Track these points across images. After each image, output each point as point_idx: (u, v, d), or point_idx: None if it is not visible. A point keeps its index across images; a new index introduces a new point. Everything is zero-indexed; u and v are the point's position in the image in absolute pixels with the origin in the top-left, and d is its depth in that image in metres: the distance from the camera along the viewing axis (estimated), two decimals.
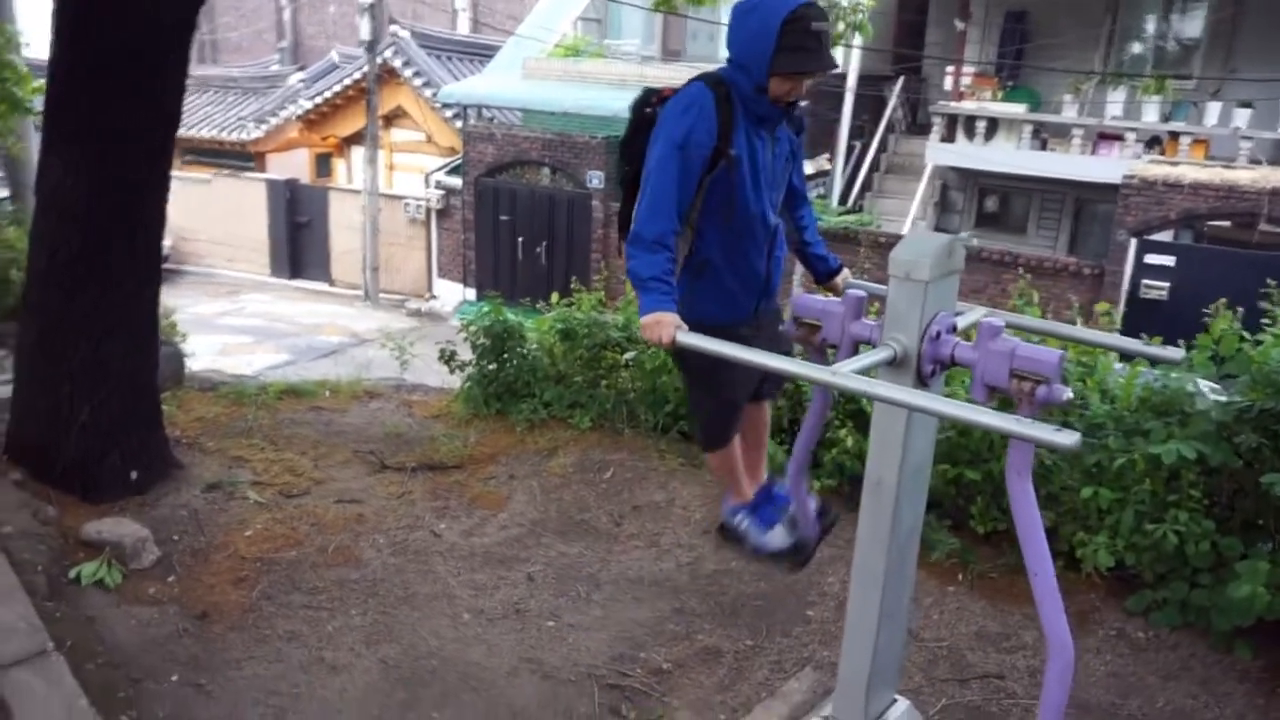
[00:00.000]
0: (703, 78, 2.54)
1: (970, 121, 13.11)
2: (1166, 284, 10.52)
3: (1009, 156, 12.86)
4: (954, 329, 2.54)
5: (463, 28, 23.35)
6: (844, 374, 2.27)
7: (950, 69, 13.85)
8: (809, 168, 14.18)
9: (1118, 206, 10.93)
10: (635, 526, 4.38)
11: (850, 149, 14.48)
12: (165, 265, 14.85)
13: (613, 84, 14.12)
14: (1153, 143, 12.17)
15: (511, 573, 4.00)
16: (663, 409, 5.14)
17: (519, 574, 3.99)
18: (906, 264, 2.43)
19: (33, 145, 9.40)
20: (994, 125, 13.03)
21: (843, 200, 14.16)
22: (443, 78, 16.70)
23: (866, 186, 14.70)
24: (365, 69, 15.85)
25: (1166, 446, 3.45)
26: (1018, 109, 12.91)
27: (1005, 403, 2.47)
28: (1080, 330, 2.94)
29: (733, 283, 2.64)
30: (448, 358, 5.74)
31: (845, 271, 2.99)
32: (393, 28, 16.91)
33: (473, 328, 5.60)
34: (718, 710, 3.20)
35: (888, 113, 14.70)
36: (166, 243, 15.62)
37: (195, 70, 21.25)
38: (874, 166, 14.78)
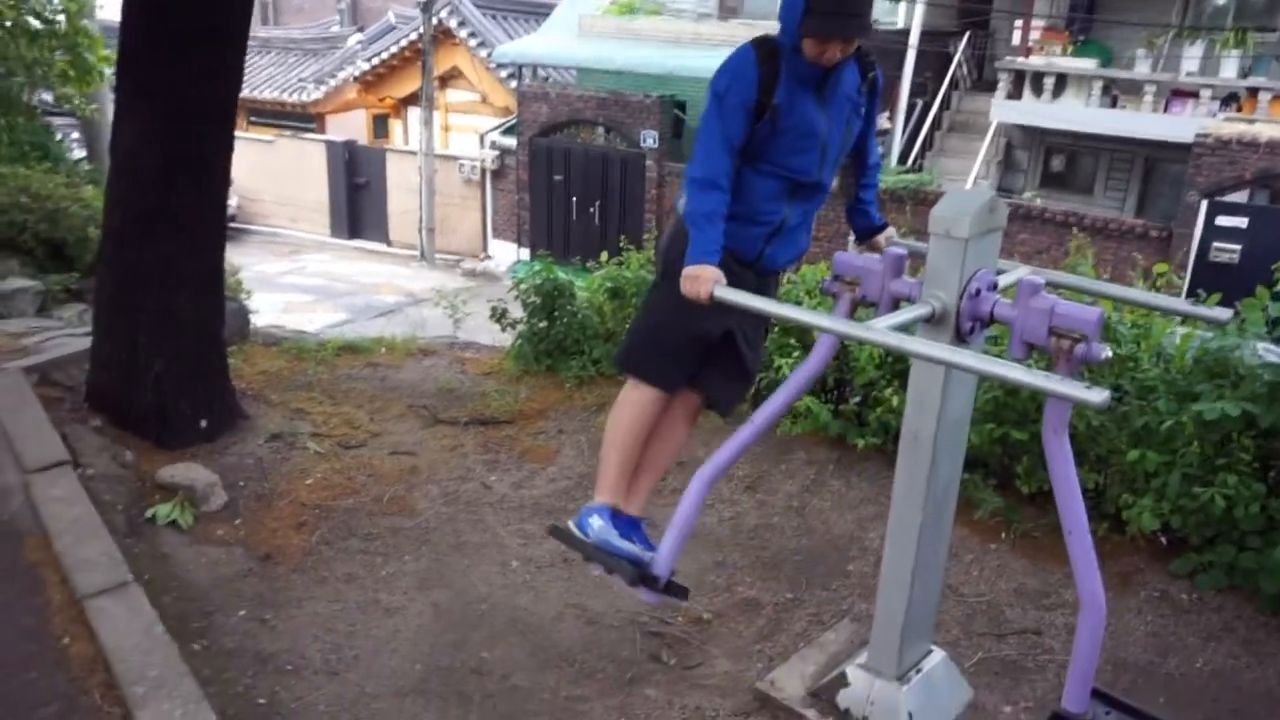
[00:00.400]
0: (755, 40, 2.57)
1: (1038, 78, 12.74)
2: (1238, 246, 10.19)
3: (1077, 114, 12.49)
4: (994, 286, 2.56)
5: None
6: (879, 330, 2.32)
7: (1019, 23, 13.45)
8: None
9: (1189, 166, 10.60)
10: (679, 482, 4.45)
11: (912, 106, 14.18)
12: (231, 225, 15.20)
13: (668, 42, 14.02)
14: (1230, 99, 11.72)
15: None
16: None
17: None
18: (946, 221, 2.45)
19: (107, 108, 9.73)
20: (1062, 81, 12.65)
21: (903, 159, 13.91)
22: (498, 37, 16.74)
23: (928, 145, 14.41)
24: (421, 30, 15.94)
25: (1213, 405, 3.41)
26: (1088, 64, 12.51)
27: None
28: (1122, 289, 2.92)
29: (747, 208, 2.60)
30: (499, 315, 5.86)
31: (890, 230, 2.99)
32: None
33: (524, 286, 5.71)
34: (755, 659, 3.28)
35: (952, 69, 14.35)
36: (232, 202, 16.01)
37: (257, 32, 21.61)
38: (936, 124, 14.47)
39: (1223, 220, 10.23)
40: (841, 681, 2.96)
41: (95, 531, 3.28)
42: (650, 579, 2.67)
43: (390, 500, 4.25)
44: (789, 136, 2.57)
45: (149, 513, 3.76)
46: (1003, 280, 2.61)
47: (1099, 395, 1.94)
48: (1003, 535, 3.94)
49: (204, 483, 4.01)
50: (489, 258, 16.31)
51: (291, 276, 15.27)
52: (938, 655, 3.01)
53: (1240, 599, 3.46)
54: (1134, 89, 12.15)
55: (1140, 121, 11.91)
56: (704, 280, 2.42)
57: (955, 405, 2.64)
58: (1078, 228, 11.05)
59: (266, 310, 9.66)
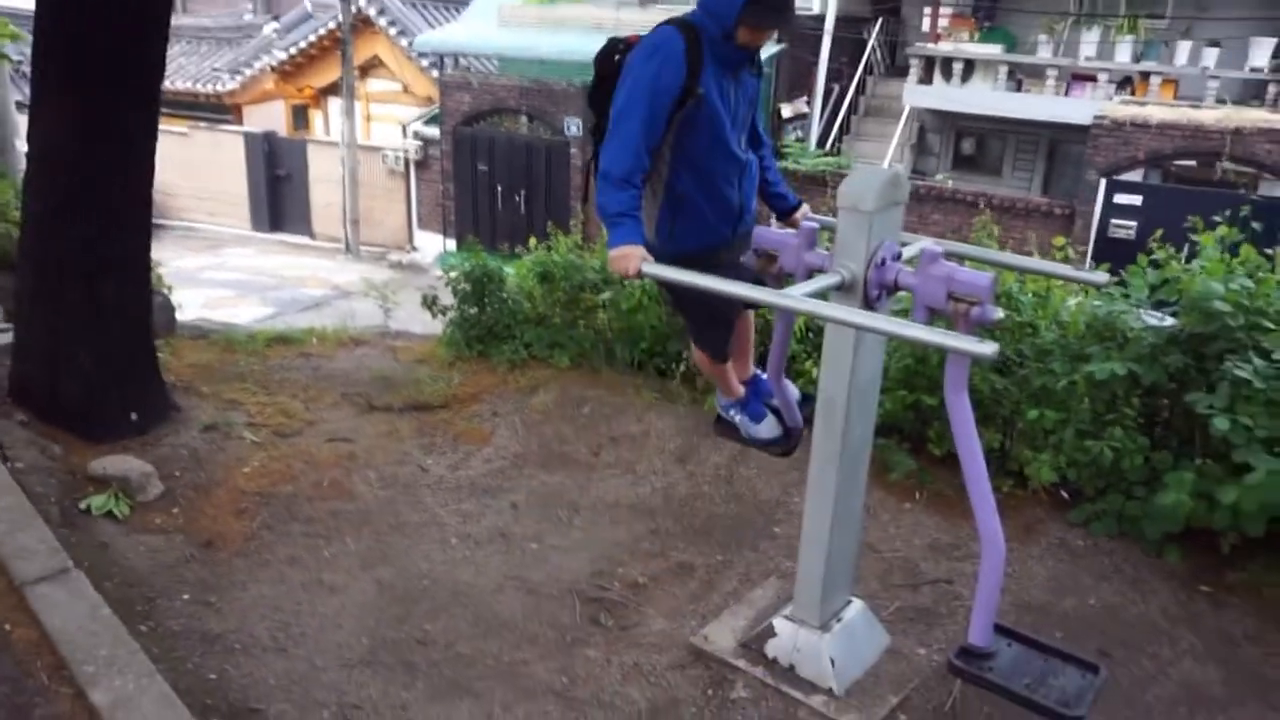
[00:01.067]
0: (671, 21, 2.69)
1: (947, 63, 13.20)
2: (1134, 223, 10.75)
3: (984, 98, 12.99)
4: (899, 256, 2.76)
5: None
6: (794, 297, 2.51)
7: (928, 10, 13.89)
8: (788, 110, 14.29)
9: (1088, 147, 11.12)
10: (612, 456, 4.63)
11: (829, 91, 14.52)
12: None
13: (590, 29, 14.08)
14: (1125, 83, 12.32)
15: (496, 501, 4.25)
16: (638, 346, 5.37)
17: (503, 502, 4.24)
18: (853, 196, 2.64)
19: (10, 93, 9.43)
20: (970, 67, 13.13)
21: (821, 144, 14.25)
22: (419, 26, 16.58)
23: (845, 129, 14.79)
24: (339, 18, 15.71)
25: (1102, 365, 3.70)
26: (993, 50, 13.00)
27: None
28: (1014, 257, 3.17)
29: (709, 213, 2.81)
30: (430, 302, 5.93)
31: (805, 207, 3.18)
32: None
33: (453, 273, 5.78)
34: (689, 617, 3.46)
35: (866, 54, 14.74)
36: None
37: None
38: (852, 109, 14.86)
39: (1120, 198, 10.77)
40: (769, 632, 3.15)
41: (30, 521, 3.29)
42: (795, 445, 3.30)
43: (329, 485, 4.31)
44: (713, 125, 2.73)
45: (83, 503, 3.76)
46: (906, 251, 2.82)
47: (989, 348, 2.15)
48: (916, 495, 4.19)
49: (138, 473, 4.02)
50: (415, 249, 16.20)
51: (212, 272, 14.94)
52: (857, 605, 3.23)
53: (1128, 543, 3.77)
54: (1037, 73, 12.69)
55: (1043, 104, 12.44)
56: (631, 258, 2.59)
57: (865, 370, 2.84)
58: (987, 207, 11.53)
59: (189, 306, 9.46)
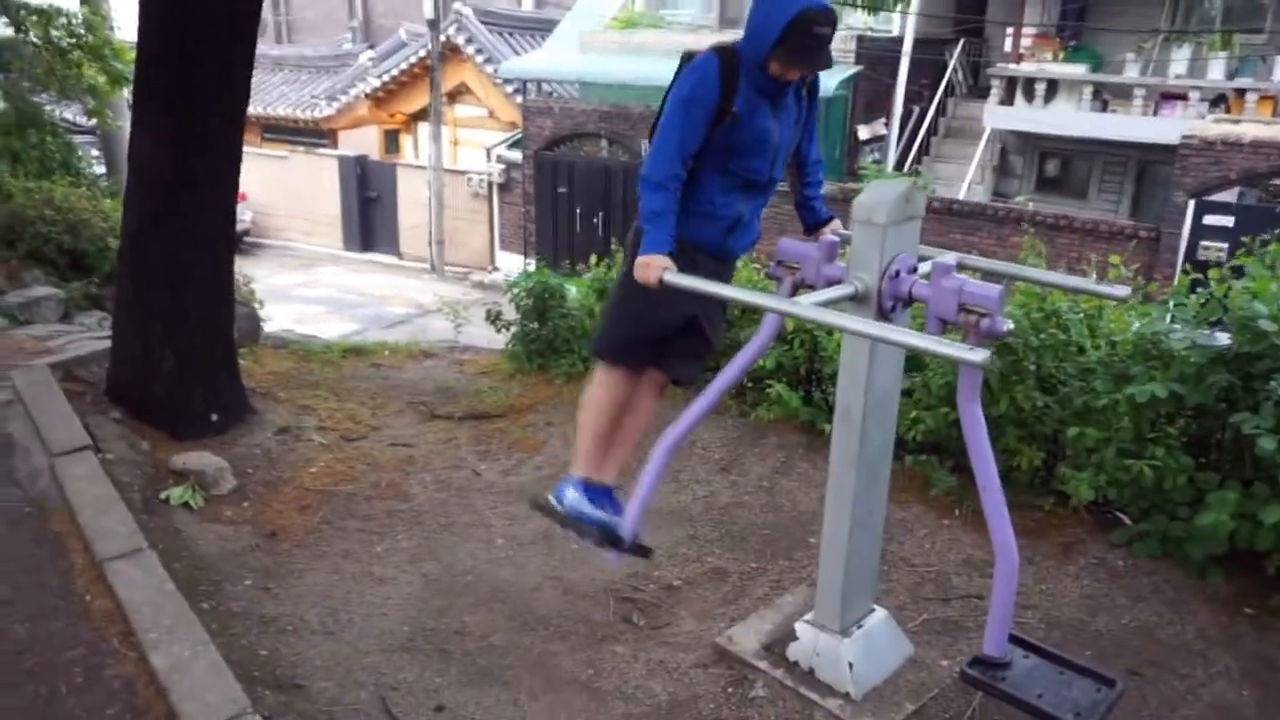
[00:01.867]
0: (715, 47, 2.86)
1: (1029, 84, 13.03)
2: (1225, 244, 10.40)
3: (1068, 119, 12.75)
4: (914, 269, 2.83)
5: (527, 4, 23.77)
6: (805, 305, 2.61)
7: (1010, 30, 13.73)
8: (865, 132, 14.25)
9: (1175, 167, 10.82)
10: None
11: (908, 113, 14.45)
12: (246, 239, 15.80)
13: (668, 54, 14.32)
14: (1218, 101, 11.94)
15: None
16: None
17: None
18: (866, 210, 2.73)
19: (126, 121, 10.15)
20: (1054, 87, 12.93)
21: (899, 166, 14.18)
22: (504, 53, 17.14)
23: (924, 150, 14.69)
24: (429, 46, 16.36)
25: (1143, 387, 3.67)
26: (1077, 70, 12.77)
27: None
28: (1037, 271, 3.20)
29: (708, 206, 2.90)
30: (494, 317, 6.18)
31: (835, 222, 3.27)
32: (456, 5, 17.39)
33: (516, 289, 6.02)
34: (719, 620, 3.55)
35: (947, 75, 14.63)
36: (247, 216, 16.62)
37: (271, 50, 22.14)
38: (932, 131, 14.75)
39: (1210, 219, 10.44)
40: (791, 636, 3.23)
41: (114, 506, 3.59)
42: (616, 540, 2.97)
43: (387, 486, 4.56)
44: (745, 142, 2.87)
45: (163, 494, 4.09)
46: (923, 266, 2.89)
47: (980, 355, 2.22)
48: (956, 512, 4.19)
49: (214, 468, 4.33)
50: (497, 269, 16.67)
51: (304, 289, 15.67)
52: (880, 614, 3.28)
53: (1172, 565, 3.71)
54: (1124, 93, 12.40)
55: (1130, 125, 12.15)
56: (654, 267, 2.73)
57: (882, 379, 2.91)
58: (1069, 230, 11.31)
59: (280, 321, 10.02)
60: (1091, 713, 2.65)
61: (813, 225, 3.26)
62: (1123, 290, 2.89)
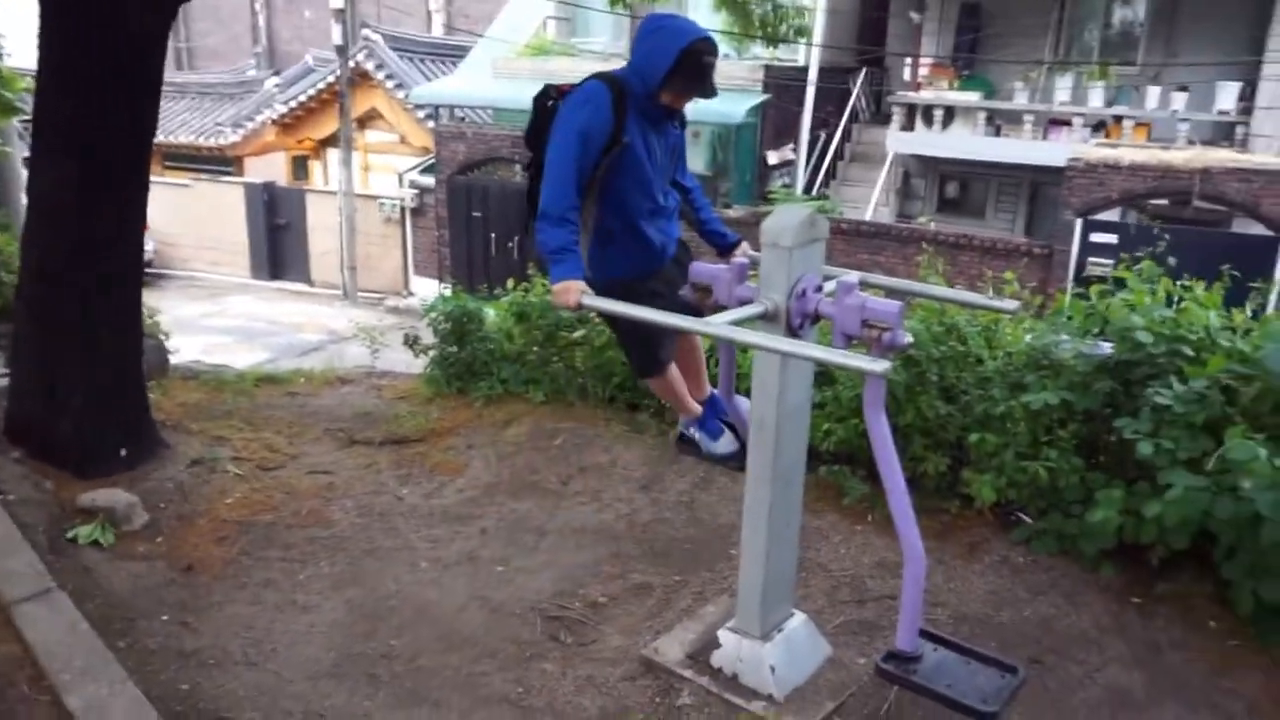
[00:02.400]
0: (599, 76, 2.99)
1: (928, 110, 13.61)
2: (1110, 260, 11.01)
3: (965, 143, 13.37)
4: (819, 288, 2.99)
5: (437, 30, 23.74)
6: (717, 325, 2.74)
7: (909, 60, 14.34)
8: (774, 157, 14.66)
9: (1063, 188, 11.44)
10: (580, 485, 4.82)
11: (815, 139, 14.94)
12: (149, 270, 15.23)
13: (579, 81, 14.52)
14: (1099, 126, 12.69)
15: (466, 527, 4.43)
16: (610, 381, 5.58)
17: (473, 528, 4.42)
18: (773, 233, 2.88)
19: (17, 150, 9.78)
20: (950, 113, 13.54)
21: (807, 189, 14.63)
22: (415, 79, 17.11)
23: (831, 174, 15.18)
24: (338, 72, 16.21)
25: (1037, 395, 3.91)
26: (972, 97, 13.40)
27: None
28: (931, 287, 3.41)
29: (634, 248, 3.11)
30: (411, 341, 6.17)
31: (744, 245, 3.43)
32: (364, 31, 17.28)
33: (434, 313, 6.03)
34: (645, 634, 3.63)
35: (851, 103, 15.17)
36: (149, 247, 16.02)
37: (174, 77, 21.57)
38: (838, 155, 15.26)
39: (1096, 237, 11.07)
40: (714, 644, 3.33)
41: (18, 548, 3.49)
42: (743, 457, 3.35)
43: (308, 514, 4.51)
44: (636, 171, 3.02)
45: (70, 533, 3.96)
46: (828, 285, 3.05)
47: (881, 365, 2.37)
48: (869, 518, 4.37)
49: (124, 504, 4.22)
50: (411, 294, 16.52)
51: (213, 319, 15.28)
52: (799, 617, 3.41)
53: (1068, 560, 3.94)
54: (1015, 118, 13.07)
55: (1021, 148, 12.82)
56: (572, 292, 2.84)
57: (793, 394, 3.04)
58: (968, 248, 11.83)
59: (188, 353, 9.73)
60: (996, 698, 2.82)
61: (724, 249, 3.40)
62: (1012, 304, 3.10)
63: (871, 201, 13.95)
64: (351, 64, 16.47)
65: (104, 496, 4.26)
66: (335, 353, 11.66)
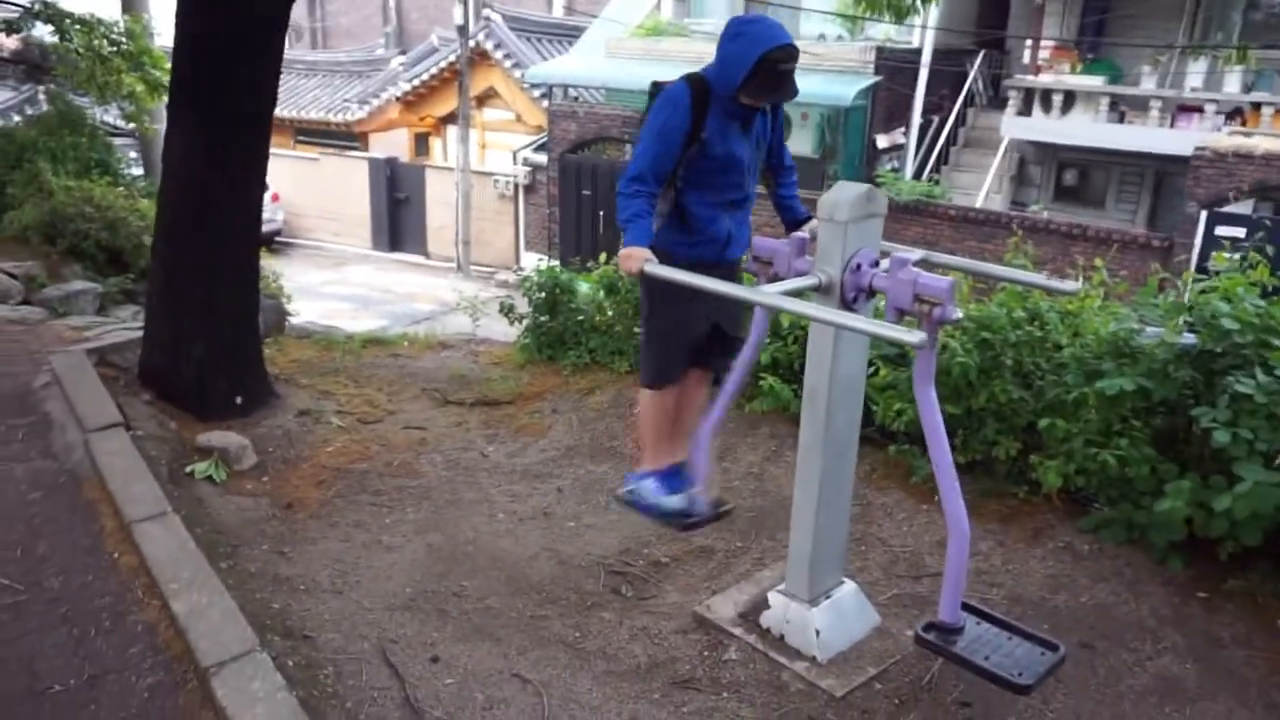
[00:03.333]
0: (686, 77, 3.16)
1: (1046, 95, 13.15)
2: (1237, 255, 10.47)
3: (1085, 130, 12.87)
4: (875, 263, 3.06)
5: (557, 12, 24.14)
6: (768, 293, 2.85)
7: (1029, 42, 13.87)
8: (883, 141, 14.42)
9: (1188, 179, 10.91)
10: None
11: (928, 123, 14.62)
12: (278, 238, 16.23)
13: (691, 62, 14.59)
14: (1234, 114, 12.01)
15: (544, 485, 4.68)
16: None
17: (550, 486, 4.66)
18: (829, 208, 2.97)
19: (162, 126, 10.56)
20: (1071, 98, 13.04)
21: (918, 175, 14.35)
22: (532, 59, 17.50)
23: (943, 160, 14.83)
24: (459, 51, 16.74)
25: (1112, 381, 3.86)
26: (1094, 81, 12.88)
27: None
28: (994, 267, 3.40)
29: (702, 232, 3.27)
30: (506, 310, 6.45)
31: (813, 221, 3.51)
32: (485, 11, 17.76)
33: (529, 284, 6.29)
34: (702, 593, 3.78)
35: (966, 86, 14.77)
36: (280, 217, 17.07)
37: (306, 56, 22.65)
38: (951, 140, 14.89)
39: (1221, 230, 10.51)
40: (764, 604, 3.45)
41: (142, 476, 3.89)
42: (694, 521, 3.47)
43: (399, 465, 4.83)
44: (716, 163, 3.19)
45: (188, 468, 4.39)
46: (885, 261, 3.11)
47: (917, 337, 2.45)
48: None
49: (236, 446, 4.63)
50: (521, 269, 16.97)
51: (334, 287, 16.09)
52: (849, 586, 3.50)
53: (1136, 550, 3.88)
54: (1140, 105, 12.50)
55: (1146, 136, 12.25)
56: (635, 259, 3.02)
57: (846, 364, 3.13)
58: (1083, 238, 11.43)
59: (309, 317, 10.35)
60: (1032, 673, 2.86)
61: (792, 224, 3.50)
62: (1072, 285, 3.11)
63: (983, 188, 13.59)
64: (472, 44, 16.99)
65: (219, 438, 4.68)
66: (444, 323, 12.15)
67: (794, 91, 3.09)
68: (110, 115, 13.79)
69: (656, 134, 3.08)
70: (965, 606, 3.12)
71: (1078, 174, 14.14)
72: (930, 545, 4.06)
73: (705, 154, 3.14)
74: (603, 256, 6.51)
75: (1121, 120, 12.68)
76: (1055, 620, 3.50)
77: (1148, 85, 12.50)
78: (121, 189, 9.01)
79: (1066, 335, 4.46)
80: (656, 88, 3.28)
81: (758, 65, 2.97)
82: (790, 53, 3.01)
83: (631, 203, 3.08)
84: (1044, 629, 3.38)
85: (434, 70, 18.61)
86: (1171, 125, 12.18)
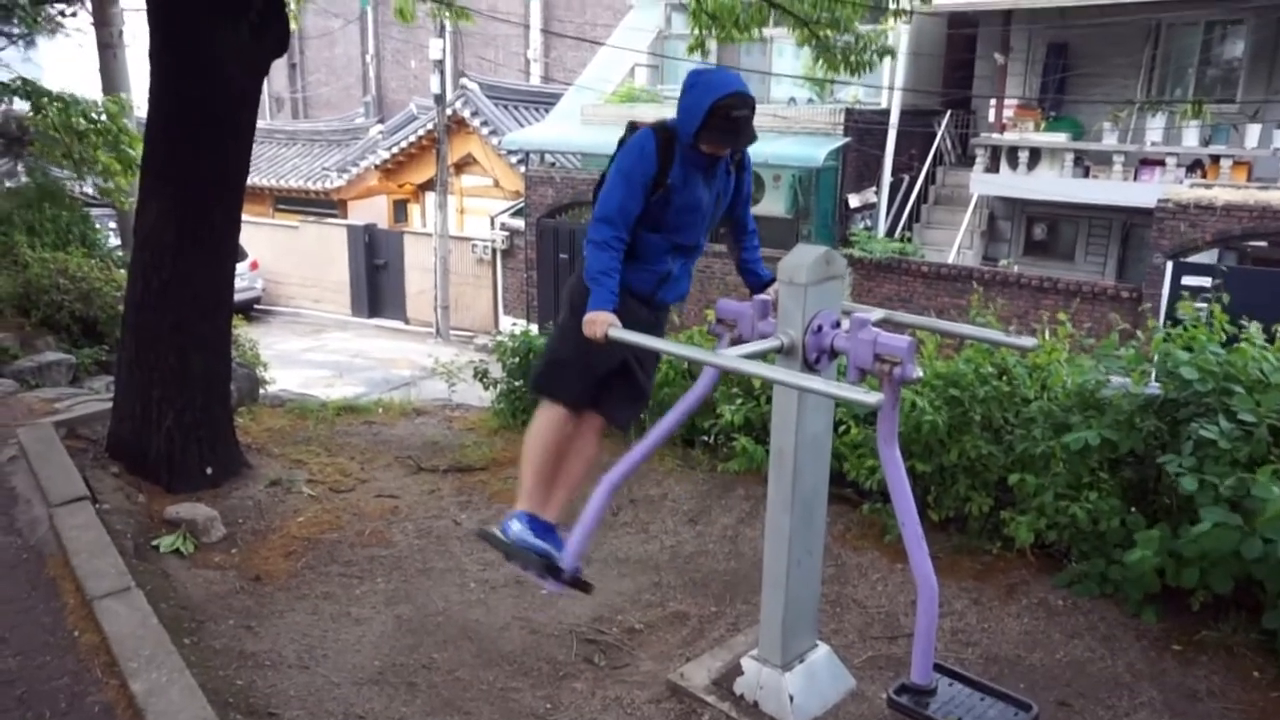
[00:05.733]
0: (653, 125, 3.18)
1: (1013, 152, 13.44)
2: (1203, 305, 10.64)
3: (1052, 185, 13.13)
4: (837, 324, 3.10)
5: (535, 79, 24.60)
6: (729, 356, 2.88)
7: (994, 102, 14.23)
8: (855, 200, 14.66)
9: (1152, 230, 11.13)
10: (630, 516, 4.97)
11: (898, 181, 14.89)
12: (257, 306, 16.19)
13: None
14: (1195, 167, 12.31)
15: None
16: None
17: None
18: (789, 270, 3.01)
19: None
20: (1036, 155, 13.34)
21: (890, 232, 14.57)
22: (510, 126, 17.76)
23: (915, 217, 15.08)
24: (436, 120, 16.99)
25: (1077, 435, 3.89)
26: (1058, 138, 13.19)
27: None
28: (952, 324, 3.45)
29: (645, 262, 3.19)
30: (481, 375, 6.45)
31: (776, 284, 3.56)
32: (463, 80, 18.08)
33: (502, 348, 6.30)
34: (677, 660, 3.73)
35: (935, 145, 15.09)
36: (259, 284, 17.03)
37: (286, 125, 22.93)
38: (922, 198, 15.17)
39: (1188, 279, 10.70)
40: (737, 671, 3.41)
41: (106, 551, 3.83)
42: (556, 571, 3.18)
43: (371, 534, 4.78)
44: (677, 209, 3.18)
45: (155, 541, 4.32)
46: (846, 322, 3.15)
47: (874, 398, 2.46)
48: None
49: (204, 518, 4.57)
50: (500, 333, 16.98)
51: (312, 354, 16.04)
52: (822, 649, 3.46)
53: (1109, 604, 3.88)
54: (1104, 159, 12.79)
55: (1111, 190, 12.52)
56: (600, 323, 3.00)
57: (811, 424, 3.15)
58: (1053, 292, 11.60)
59: (288, 385, 10.29)
60: None
61: (756, 286, 3.53)
62: (1030, 342, 3.15)
63: (955, 244, 13.80)
64: (449, 112, 17.25)
65: (187, 510, 4.63)
66: (422, 388, 12.14)
67: (751, 138, 3.10)
68: (89, 187, 13.88)
69: (624, 178, 3.06)
70: (938, 667, 3.10)
71: (1047, 228, 14.40)
72: (905, 605, 4.04)
73: (668, 200, 3.12)
74: None
75: (1086, 175, 12.96)
76: (1031, 679, 3.48)
77: (1110, 140, 12.82)
78: (96, 260, 9.00)
79: (1034, 389, 4.51)
80: (633, 127, 3.31)
81: (710, 112, 2.99)
82: (743, 99, 3.03)
83: (601, 256, 3.04)
84: (1019, 688, 3.36)
85: (412, 138, 18.85)
86: (1135, 179, 12.45)
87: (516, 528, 3.26)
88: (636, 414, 3.52)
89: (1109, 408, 4.04)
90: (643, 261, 3.21)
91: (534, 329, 15.54)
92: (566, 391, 3.25)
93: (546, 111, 18.22)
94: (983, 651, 3.66)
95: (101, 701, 2.95)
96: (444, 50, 16.57)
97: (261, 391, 7.22)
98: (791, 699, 3.25)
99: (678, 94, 3.11)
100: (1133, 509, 3.94)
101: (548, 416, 3.28)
